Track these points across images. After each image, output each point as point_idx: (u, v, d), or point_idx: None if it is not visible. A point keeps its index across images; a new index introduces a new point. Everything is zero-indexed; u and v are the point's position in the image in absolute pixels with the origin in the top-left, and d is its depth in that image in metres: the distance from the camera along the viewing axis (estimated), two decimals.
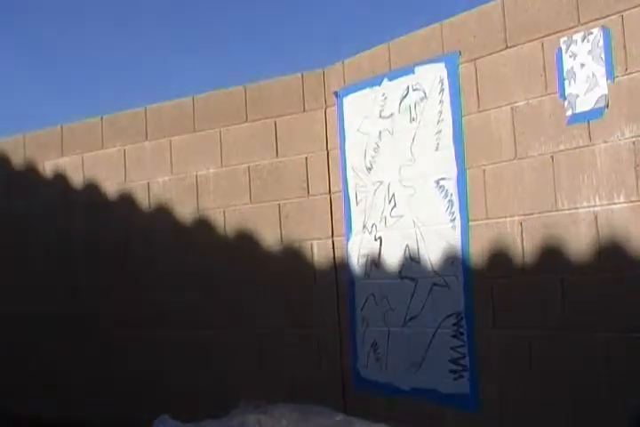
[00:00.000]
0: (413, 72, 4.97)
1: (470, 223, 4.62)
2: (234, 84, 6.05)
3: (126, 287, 6.44)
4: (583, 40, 4.05)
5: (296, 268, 5.62)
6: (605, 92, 3.96)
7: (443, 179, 4.77)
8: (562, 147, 4.15)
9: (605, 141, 3.96)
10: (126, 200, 6.45)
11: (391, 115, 5.13)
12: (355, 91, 5.41)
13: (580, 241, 4.06)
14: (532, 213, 4.30)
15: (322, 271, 5.54)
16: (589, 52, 4.02)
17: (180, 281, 6.13)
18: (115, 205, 6.54)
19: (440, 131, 4.79)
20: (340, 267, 5.48)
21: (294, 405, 5.37)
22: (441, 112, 4.79)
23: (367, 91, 5.30)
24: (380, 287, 5.20)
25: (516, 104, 4.38)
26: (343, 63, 5.54)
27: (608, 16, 3.95)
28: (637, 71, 3.84)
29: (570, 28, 4.12)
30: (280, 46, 14.66)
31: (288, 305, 5.65)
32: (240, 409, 5.47)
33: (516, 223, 4.36)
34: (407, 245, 5.01)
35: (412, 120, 4.98)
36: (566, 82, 4.14)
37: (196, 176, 6.10)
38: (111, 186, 6.54)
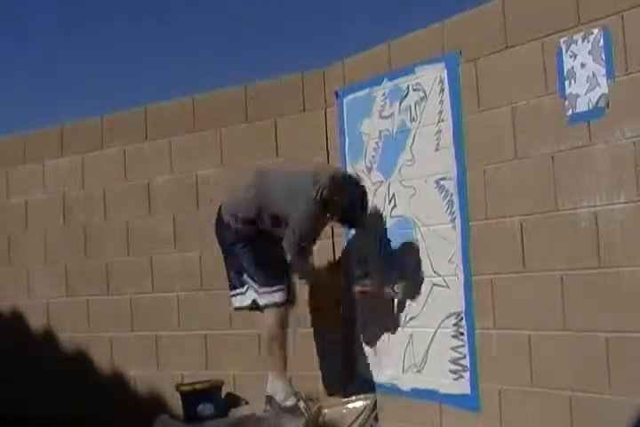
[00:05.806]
0: (413, 72, 4.97)
1: (470, 223, 4.62)
2: (234, 84, 6.05)
3: None
4: (583, 40, 4.05)
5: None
6: (606, 91, 3.95)
7: (443, 179, 4.77)
8: (562, 147, 4.15)
9: (605, 141, 3.96)
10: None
11: (391, 115, 5.13)
12: (355, 91, 5.41)
13: (580, 241, 4.06)
14: (531, 213, 4.30)
15: (322, 271, 5.53)
16: (589, 52, 4.02)
17: None
18: None
19: (440, 131, 4.79)
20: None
21: None
22: (441, 112, 4.79)
23: (367, 91, 5.30)
24: None
25: (516, 104, 4.37)
26: (343, 63, 5.53)
27: (608, 16, 3.94)
28: (637, 71, 3.84)
29: (570, 28, 4.11)
30: (280, 46, 14.69)
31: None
32: (240, 409, 5.49)
33: (516, 223, 4.36)
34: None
35: (412, 120, 4.98)
36: (566, 82, 4.14)
37: (196, 176, 6.09)
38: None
